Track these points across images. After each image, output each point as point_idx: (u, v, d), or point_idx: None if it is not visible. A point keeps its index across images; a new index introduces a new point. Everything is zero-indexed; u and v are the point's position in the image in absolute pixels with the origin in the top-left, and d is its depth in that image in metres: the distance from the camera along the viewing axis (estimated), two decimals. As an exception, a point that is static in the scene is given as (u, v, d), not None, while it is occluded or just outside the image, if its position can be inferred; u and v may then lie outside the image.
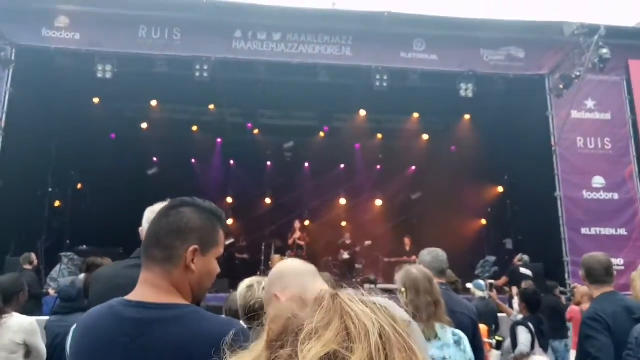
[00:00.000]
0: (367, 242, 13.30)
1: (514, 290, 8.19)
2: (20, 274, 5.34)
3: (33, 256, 8.43)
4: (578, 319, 6.03)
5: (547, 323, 5.89)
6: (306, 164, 16.02)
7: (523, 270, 9.43)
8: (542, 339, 5.27)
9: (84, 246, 11.01)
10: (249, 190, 15.23)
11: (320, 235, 14.12)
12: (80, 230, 12.58)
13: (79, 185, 13.81)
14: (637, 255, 9.91)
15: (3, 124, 9.58)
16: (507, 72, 10.85)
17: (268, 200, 15.80)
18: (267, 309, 1.61)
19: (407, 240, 12.67)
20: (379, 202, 16.06)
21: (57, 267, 9.96)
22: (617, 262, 9.95)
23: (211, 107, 13.38)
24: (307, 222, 14.68)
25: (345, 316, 0.64)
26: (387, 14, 10.23)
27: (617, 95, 11.11)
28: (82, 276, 5.68)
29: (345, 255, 13.01)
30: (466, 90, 10.59)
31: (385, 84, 10.41)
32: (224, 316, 1.62)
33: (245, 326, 1.68)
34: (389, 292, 0.94)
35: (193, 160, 15.43)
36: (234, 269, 11.67)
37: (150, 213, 2.44)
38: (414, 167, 15.75)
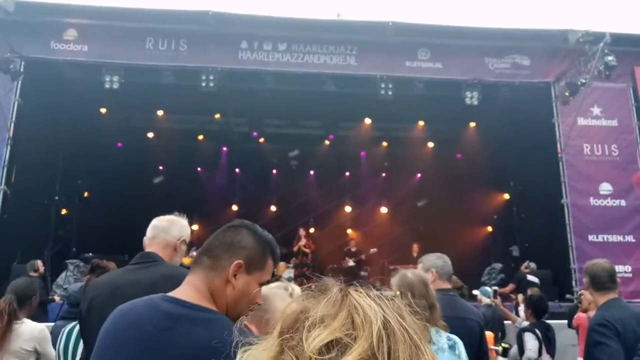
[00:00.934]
0: (373, 250, 13.27)
1: (520, 297, 8.16)
2: (33, 279, 5.39)
3: (39, 263, 8.50)
4: (585, 326, 5.99)
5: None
6: (311, 172, 16.03)
7: (530, 277, 9.40)
8: (549, 345, 5.23)
9: (90, 253, 11.03)
10: (255, 199, 15.25)
11: (325, 242, 14.11)
12: (86, 237, 12.65)
13: (86, 194, 13.89)
14: (645, 262, 9.85)
15: (12, 134, 9.70)
16: (512, 80, 10.85)
17: (273, 208, 15.81)
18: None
19: (415, 247, 12.62)
20: (384, 210, 16.03)
21: (63, 274, 10.03)
22: (625, 269, 9.89)
23: (217, 116, 13.47)
24: (312, 230, 14.68)
25: (352, 308, 0.66)
26: (392, 24, 10.28)
27: (623, 102, 11.07)
28: (85, 278, 5.71)
29: (351, 263, 12.99)
30: (471, 98, 10.60)
31: (390, 93, 10.44)
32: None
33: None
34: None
35: (199, 169, 15.49)
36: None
37: (157, 221, 2.48)
38: (419, 175, 15.74)
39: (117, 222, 12.00)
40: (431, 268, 3.23)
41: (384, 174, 16.04)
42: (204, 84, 10.13)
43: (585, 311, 6.45)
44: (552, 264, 10.52)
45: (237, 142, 14.52)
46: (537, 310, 5.50)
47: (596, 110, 10.95)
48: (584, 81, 9.91)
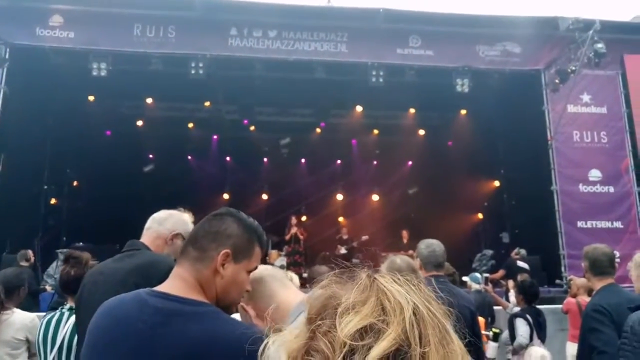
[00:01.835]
0: (364, 237, 13.31)
1: (510, 283, 8.25)
2: (21, 269, 5.36)
3: (30, 253, 8.43)
4: (575, 311, 6.07)
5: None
6: (303, 160, 16.02)
7: (520, 263, 9.50)
8: (540, 330, 5.30)
9: (80, 243, 10.99)
10: (246, 187, 15.19)
11: (317, 230, 14.12)
12: (76, 227, 12.55)
13: (75, 183, 13.78)
14: (633, 247, 9.95)
15: (-2, 123, 9.56)
16: (502, 67, 10.88)
17: (265, 197, 15.79)
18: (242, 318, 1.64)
19: (404, 234, 12.69)
20: (375, 197, 16.08)
21: (54, 264, 9.95)
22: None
23: (207, 104, 13.35)
24: (303, 218, 14.69)
25: (380, 294, 0.67)
26: (383, 11, 10.22)
27: (612, 89, 11.16)
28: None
29: (342, 250, 13.02)
30: (462, 85, 10.62)
31: (381, 80, 10.42)
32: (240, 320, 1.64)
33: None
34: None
35: (189, 157, 15.40)
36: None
37: (157, 213, 2.48)
38: (410, 162, 15.77)
39: (107, 210, 11.89)
40: (417, 257, 3.28)
41: (375, 162, 16.07)
42: (193, 71, 10.03)
43: (574, 296, 6.55)
44: (542, 250, 10.64)
45: (228, 130, 14.44)
46: (529, 295, 5.55)
47: (586, 98, 11.02)
48: (573, 68, 9.95)
